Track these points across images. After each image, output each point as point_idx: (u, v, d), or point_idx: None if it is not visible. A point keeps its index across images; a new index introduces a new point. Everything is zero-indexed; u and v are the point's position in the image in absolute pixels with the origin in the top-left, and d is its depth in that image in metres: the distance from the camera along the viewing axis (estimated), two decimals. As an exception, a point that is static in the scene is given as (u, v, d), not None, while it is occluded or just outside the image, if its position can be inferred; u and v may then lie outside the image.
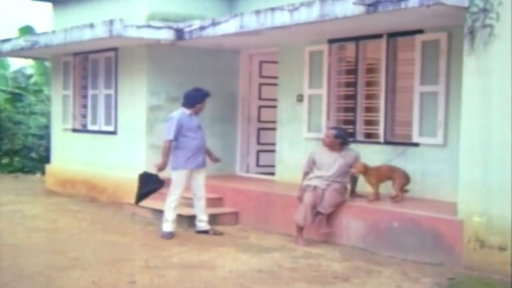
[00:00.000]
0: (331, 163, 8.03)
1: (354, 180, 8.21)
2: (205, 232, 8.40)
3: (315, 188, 8.03)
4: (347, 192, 8.12)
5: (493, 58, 6.44)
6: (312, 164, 8.19)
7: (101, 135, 11.61)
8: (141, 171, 8.56)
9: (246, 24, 8.61)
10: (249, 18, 8.56)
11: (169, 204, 8.24)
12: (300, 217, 7.89)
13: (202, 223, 8.45)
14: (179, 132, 8.12)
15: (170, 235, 8.12)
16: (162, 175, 8.26)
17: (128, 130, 10.90)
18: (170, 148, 8.15)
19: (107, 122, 11.42)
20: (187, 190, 8.41)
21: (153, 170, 8.26)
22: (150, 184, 8.26)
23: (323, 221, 7.87)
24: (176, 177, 8.20)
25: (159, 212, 8.61)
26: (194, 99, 8.28)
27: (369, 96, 9.11)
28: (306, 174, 8.25)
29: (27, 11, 23.73)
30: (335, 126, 8.69)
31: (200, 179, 8.34)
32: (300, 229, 7.94)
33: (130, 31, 9.56)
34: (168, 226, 8.20)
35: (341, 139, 8.09)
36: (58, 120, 12.93)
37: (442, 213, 7.09)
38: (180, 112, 8.26)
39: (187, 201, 8.71)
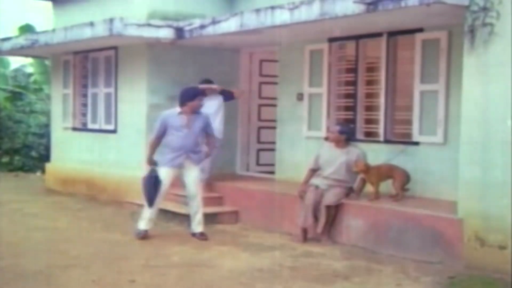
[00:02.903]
0: (334, 159, 8.03)
1: (362, 181, 8.15)
2: (193, 235, 8.20)
3: (316, 188, 8.03)
4: (350, 194, 8.09)
5: (493, 56, 6.44)
6: (317, 161, 8.19)
7: (101, 133, 11.60)
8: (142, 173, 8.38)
9: (246, 23, 8.61)
10: (249, 17, 8.55)
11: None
12: (301, 219, 7.92)
13: (194, 225, 8.26)
14: (166, 130, 8.08)
15: (145, 233, 8.02)
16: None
17: (128, 128, 10.90)
18: (155, 144, 8.14)
19: (107, 121, 11.42)
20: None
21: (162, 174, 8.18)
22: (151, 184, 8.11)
23: (325, 230, 7.86)
24: (160, 174, 8.11)
25: (160, 211, 8.61)
26: (185, 97, 8.15)
27: (369, 95, 9.10)
28: (311, 170, 8.23)
29: (27, 10, 23.72)
30: (340, 122, 8.69)
31: (188, 177, 8.14)
32: (303, 229, 7.95)
33: (130, 29, 9.55)
34: (144, 224, 8.08)
35: (345, 134, 8.09)
36: (58, 119, 12.92)
37: (442, 211, 7.10)
38: (170, 110, 8.24)
39: (188, 201, 8.71)
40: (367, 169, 7.90)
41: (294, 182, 8.87)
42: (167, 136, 8.08)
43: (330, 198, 7.83)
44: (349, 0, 7.21)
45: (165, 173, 8.06)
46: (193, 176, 8.16)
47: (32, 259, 6.87)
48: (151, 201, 8.07)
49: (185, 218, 8.66)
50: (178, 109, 8.16)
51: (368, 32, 8.70)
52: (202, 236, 8.13)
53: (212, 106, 9.41)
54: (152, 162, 8.11)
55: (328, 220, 7.83)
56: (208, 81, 9.72)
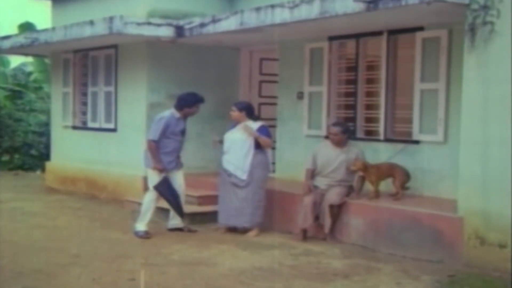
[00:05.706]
0: (333, 159, 8.02)
1: (361, 180, 8.14)
2: (180, 229, 8.37)
3: (316, 188, 8.02)
4: (352, 193, 8.07)
5: (494, 55, 6.44)
6: (315, 160, 8.16)
7: (101, 132, 11.60)
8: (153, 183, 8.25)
9: (246, 21, 8.60)
10: (249, 15, 8.55)
11: (149, 204, 8.22)
12: (300, 220, 7.91)
13: (177, 221, 8.40)
14: (164, 133, 8.09)
15: (148, 234, 8.07)
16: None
17: (128, 127, 10.90)
18: (156, 148, 8.10)
19: (107, 120, 11.42)
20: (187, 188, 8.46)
21: (155, 176, 8.19)
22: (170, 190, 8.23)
23: (327, 228, 7.84)
24: (153, 176, 8.15)
25: (160, 210, 8.60)
26: (185, 102, 8.22)
27: (369, 94, 9.10)
28: (309, 171, 8.18)
29: (27, 8, 23.71)
30: (337, 122, 8.65)
31: (177, 179, 8.30)
32: (303, 229, 7.95)
33: (130, 28, 9.55)
34: (144, 225, 8.15)
35: (348, 133, 8.10)
36: (58, 118, 12.92)
37: (442, 210, 7.10)
38: (170, 113, 8.23)
39: (188, 199, 8.71)
40: (365, 168, 7.90)
41: (294, 181, 8.86)
42: (164, 139, 8.13)
43: (333, 197, 7.81)
44: (349, -1, 7.21)
45: (159, 175, 8.12)
46: (180, 177, 8.36)
47: (32, 257, 6.87)
48: (180, 210, 8.28)
49: (186, 217, 8.64)
50: (176, 112, 8.21)
51: (368, 30, 8.69)
52: (190, 228, 8.43)
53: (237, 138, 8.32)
54: (162, 167, 8.10)
55: (333, 219, 7.82)
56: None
